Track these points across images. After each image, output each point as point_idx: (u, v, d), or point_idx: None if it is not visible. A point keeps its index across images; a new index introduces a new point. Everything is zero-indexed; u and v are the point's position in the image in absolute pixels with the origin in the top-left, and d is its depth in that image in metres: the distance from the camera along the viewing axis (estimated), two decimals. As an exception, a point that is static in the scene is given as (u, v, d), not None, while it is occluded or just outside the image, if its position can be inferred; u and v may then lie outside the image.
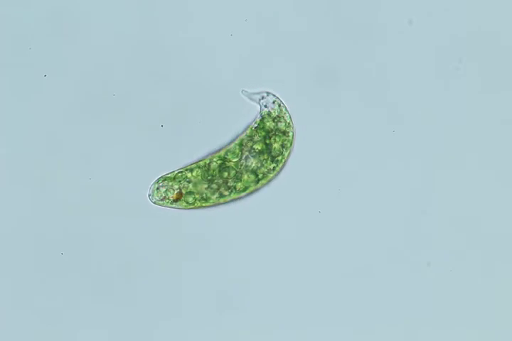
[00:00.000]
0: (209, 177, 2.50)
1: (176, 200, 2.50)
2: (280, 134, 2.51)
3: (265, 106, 2.52)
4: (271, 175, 2.51)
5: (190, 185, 2.50)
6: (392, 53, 2.55)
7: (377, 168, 2.53)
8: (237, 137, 2.52)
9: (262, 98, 2.52)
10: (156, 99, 2.53)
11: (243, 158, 2.51)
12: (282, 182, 2.53)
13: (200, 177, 2.50)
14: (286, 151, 2.52)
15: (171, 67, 2.53)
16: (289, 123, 2.52)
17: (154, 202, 2.50)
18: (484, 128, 2.54)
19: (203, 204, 2.51)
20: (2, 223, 2.51)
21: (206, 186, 2.51)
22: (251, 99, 2.52)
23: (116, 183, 2.51)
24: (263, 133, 2.51)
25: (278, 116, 2.51)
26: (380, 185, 2.53)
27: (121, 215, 2.50)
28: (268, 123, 2.51)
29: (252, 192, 2.52)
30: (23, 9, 2.55)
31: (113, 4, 2.55)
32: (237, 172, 2.50)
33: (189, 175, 2.50)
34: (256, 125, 2.52)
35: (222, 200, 2.51)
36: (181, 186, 2.50)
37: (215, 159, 2.51)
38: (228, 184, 2.50)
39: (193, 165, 2.51)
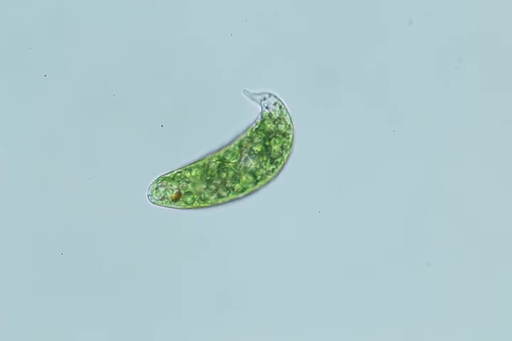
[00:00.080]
0: (207, 178, 2.50)
1: (174, 200, 2.50)
2: (280, 136, 2.51)
3: (266, 108, 2.51)
4: (270, 177, 2.51)
5: (189, 185, 2.50)
6: (392, 53, 2.55)
7: (377, 168, 2.53)
8: (237, 137, 2.52)
9: (264, 99, 2.52)
10: (156, 99, 2.53)
11: (242, 159, 2.51)
12: (282, 182, 2.52)
13: (199, 177, 2.50)
14: (285, 153, 2.51)
15: (171, 67, 2.53)
16: (289, 126, 2.51)
17: (153, 202, 2.50)
18: (484, 128, 2.54)
19: (202, 205, 2.51)
20: (2, 223, 2.51)
21: (205, 186, 2.51)
22: (252, 99, 2.52)
23: (116, 183, 2.51)
24: (263, 135, 2.51)
25: (279, 118, 2.51)
26: (380, 185, 2.53)
27: (121, 215, 2.50)
28: (268, 125, 2.51)
29: (250, 193, 2.51)
30: (23, 9, 2.55)
31: (113, 4, 2.55)
32: (235, 173, 2.50)
33: (188, 174, 2.50)
34: (257, 126, 2.52)
35: (220, 201, 2.51)
36: (180, 186, 2.50)
37: (214, 159, 2.51)
38: (226, 185, 2.50)
39: (192, 165, 2.51)
